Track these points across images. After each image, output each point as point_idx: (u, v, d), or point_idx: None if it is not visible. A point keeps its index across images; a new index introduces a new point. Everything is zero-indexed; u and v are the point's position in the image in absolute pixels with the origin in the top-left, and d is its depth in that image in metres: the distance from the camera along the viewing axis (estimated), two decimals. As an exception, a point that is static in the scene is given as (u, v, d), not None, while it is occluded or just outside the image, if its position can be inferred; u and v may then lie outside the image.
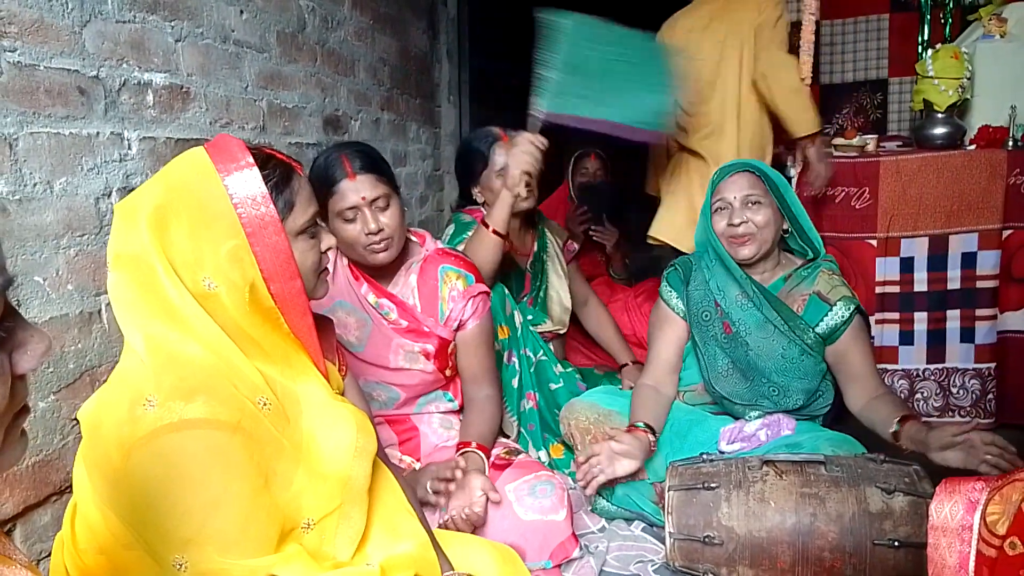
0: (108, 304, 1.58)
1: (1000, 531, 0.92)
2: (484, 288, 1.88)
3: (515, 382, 2.23)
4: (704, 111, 2.55)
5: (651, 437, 1.83)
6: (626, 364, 2.52)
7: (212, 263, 1.04)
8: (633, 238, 3.57)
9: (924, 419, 1.74)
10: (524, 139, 2.04)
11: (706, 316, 1.96)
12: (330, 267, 1.31)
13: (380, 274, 1.81)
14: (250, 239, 1.06)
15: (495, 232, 2.07)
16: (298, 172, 1.16)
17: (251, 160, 1.07)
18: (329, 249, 1.21)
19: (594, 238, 3.28)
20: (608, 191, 3.30)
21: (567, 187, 3.52)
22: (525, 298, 2.47)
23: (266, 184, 1.07)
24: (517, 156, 2.04)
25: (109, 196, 1.58)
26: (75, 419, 1.50)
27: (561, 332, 2.58)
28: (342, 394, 1.31)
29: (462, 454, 1.71)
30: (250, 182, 1.06)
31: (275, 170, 1.11)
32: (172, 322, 1.04)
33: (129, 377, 1.04)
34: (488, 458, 1.74)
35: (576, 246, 2.83)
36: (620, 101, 2.05)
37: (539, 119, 2.02)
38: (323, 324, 1.37)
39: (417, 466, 1.81)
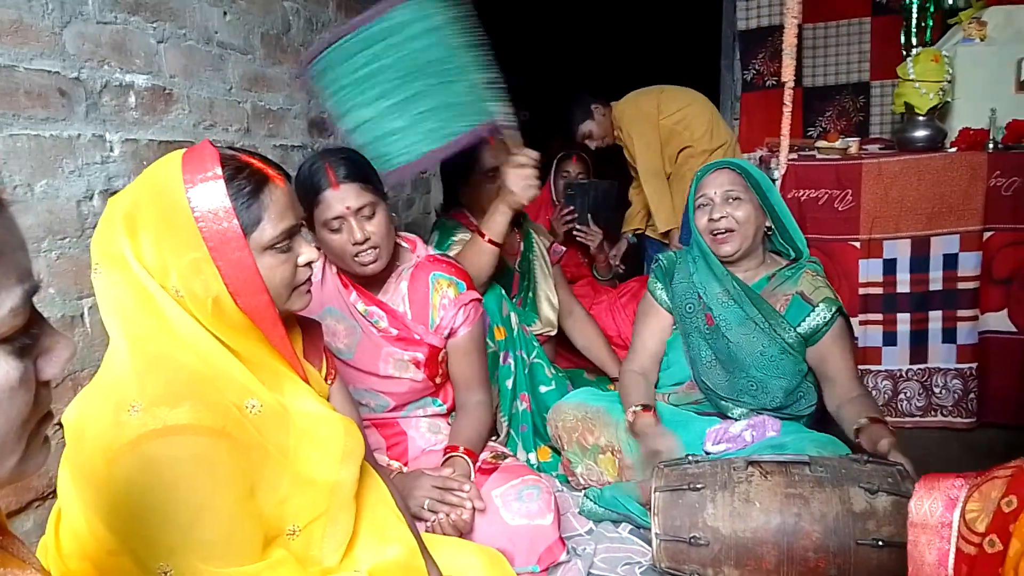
0: (90, 308, 1.56)
1: (979, 528, 0.92)
2: (476, 295, 1.87)
3: (509, 383, 2.23)
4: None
5: (654, 416, 1.86)
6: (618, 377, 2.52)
7: (177, 272, 1.03)
8: (618, 238, 3.58)
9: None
10: (519, 161, 1.97)
11: (690, 308, 1.99)
12: (316, 277, 1.27)
13: (370, 281, 1.80)
14: (212, 253, 1.03)
15: (491, 242, 2.06)
16: (275, 182, 1.12)
17: (219, 172, 1.04)
18: (310, 262, 1.17)
19: (577, 239, 3.25)
20: (593, 191, 3.28)
21: (549, 189, 3.52)
22: (515, 299, 2.47)
23: (235, 196, 1.05)
24: (519, 181, 1.98)
25: (91, 199, 1.57)
26: (59, 423, 1.49)
27: (551, 334, 2.58)
28: (327, 399, 1.30)
29: (449, 458, 1.71)
30: (213, 195, 1.03)
31: (246, 181, 1.08)
32: (157, 324, 1.03)
33: (113, 381, 1.03)
34: (475, 463, 1.73)
35: (562, 248, 2.83)
36: (441, 114, 1.74)
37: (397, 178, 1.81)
38: (311, 328, 1.36)
39: (405, 470, 1.80)
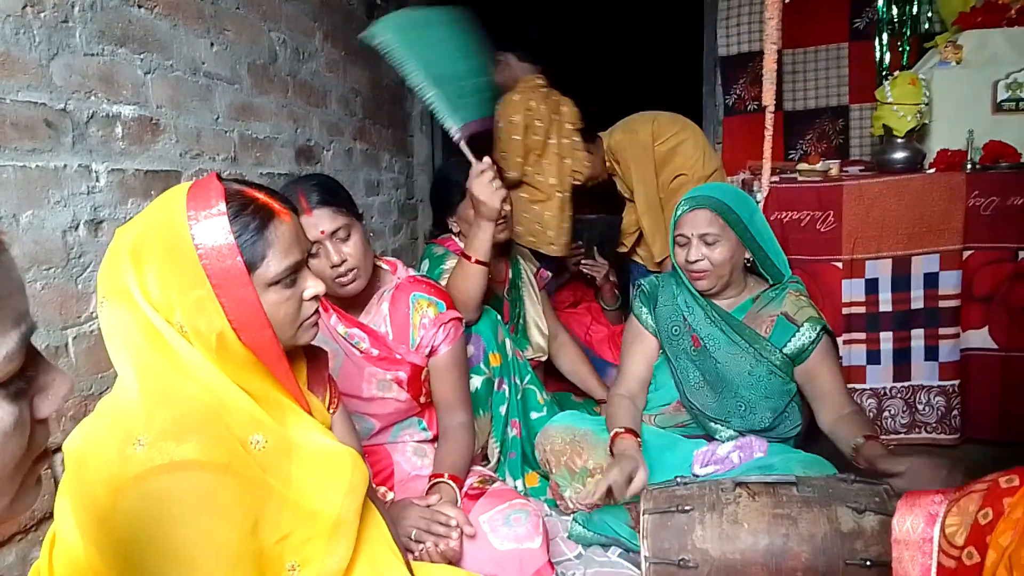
0: (75, 338, 1.56)
1: (958, 542, 0.94)
2: (456, 315, 1.88)
3: (503, 409, 2.23)
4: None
5: (636, 440, 1.83)
6: (604, 400, 2.53)
7: (181, 309, 1.03)
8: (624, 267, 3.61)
9: (890, 442, 1.77)
10: (478, 169, 1.98)
11: (675, 331, 2.00)
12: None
13: (351, 304, 1.81)
14: (215, 290, 1.03)
15: (478, 262, 2.05)
16: (281, 217, 1.11)
17: (223, 208, 1.04)
18: (316, 296, 1.16)
19: (584, 271, 3.30)
20: (599, 225, 3.37)
21: None
22: (507, 326, 2.47)
23: (239, 232, 1.04)
24: (484, 189, 1.96)
25: (76, 229, 1.57)
26: (57, 450, 1.47)
27: (543, 359, 2.59)
28: (330, 428, 1.29)
29: (434, 485, 1.70)
30: (217, 232, 1.02)
31: (251, 217, 1.07)
32: (164, 359, 1.02)
33: (119, 414, 1.02)
34: (461, 489, 1.73)
35: (549, 274, 2.84)
36: (473, 94, 1.97)
37: (462, 137, 1.96)
38: (316, 356, 1.34)
39: (390, 495, 1.79)
